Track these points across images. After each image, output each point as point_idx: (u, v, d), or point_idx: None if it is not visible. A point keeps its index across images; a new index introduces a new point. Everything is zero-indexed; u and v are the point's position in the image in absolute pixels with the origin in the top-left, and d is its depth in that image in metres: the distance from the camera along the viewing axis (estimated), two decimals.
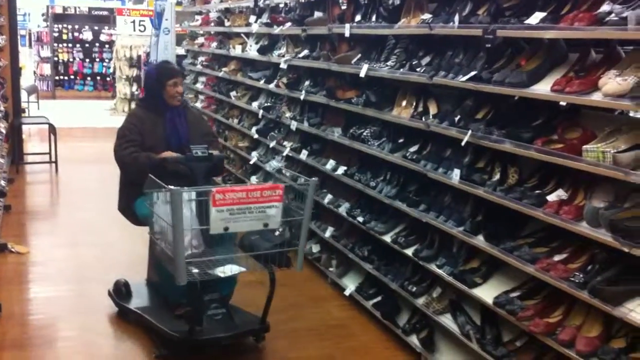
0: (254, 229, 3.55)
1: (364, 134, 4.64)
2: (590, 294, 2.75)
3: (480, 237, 3.47)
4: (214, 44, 8.52)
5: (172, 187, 3.31)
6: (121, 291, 4.45)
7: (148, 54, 12.19)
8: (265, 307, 3.92)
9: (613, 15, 2.62)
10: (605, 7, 2.71)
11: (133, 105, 14.37)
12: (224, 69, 7.99)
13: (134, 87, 14.61)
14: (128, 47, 14.62)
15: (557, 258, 3.05)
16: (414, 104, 4.19)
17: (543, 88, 3.04)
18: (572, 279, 2.86)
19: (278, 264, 3.75)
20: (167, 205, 3.40)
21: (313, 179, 3.69)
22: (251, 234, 3.74)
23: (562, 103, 3.19)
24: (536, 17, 3.04)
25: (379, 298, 4.47)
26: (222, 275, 3.60)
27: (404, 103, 4.27)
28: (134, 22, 14.35)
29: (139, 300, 4.43)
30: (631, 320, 2.59)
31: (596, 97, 2.73)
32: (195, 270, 3.52)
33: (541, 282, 3.09)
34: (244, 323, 3.98)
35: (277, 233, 3.72)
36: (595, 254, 2.93)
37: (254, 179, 6.95)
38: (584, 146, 2.82)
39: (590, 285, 2.75)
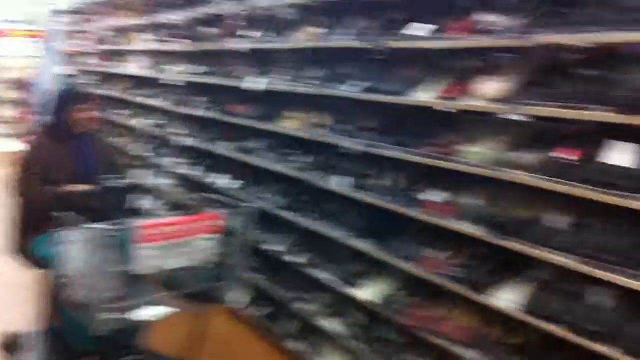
0: (189, 265, 3.09)
1: (255, 147, 4.69)
2: (467, 287, 2.91)
3: (367, 242, 3.58)
4: (106, 63, 8.37)
5: (91, 224, 2.87)
6: (12, 345, 3.93)
7: (35, 76, 11.79)
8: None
9: (492, 25, 2.83)
10: (485, 18, 2.91)
11: (15, 129, 13.79)
12: (115, 88, 7.85)
13: (19, 111, 14.02)
14: (12, 68, 14.06)
15: (439, 256, 3.19)
16: (306, 115, 4.29)
17: (427, 95, 3.21)
18: (453, 274, 3.01)
19: (210, 301, 3.36)
20: (80, 244, 2.96)
21: (253, 205, 3.37)
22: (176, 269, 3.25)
23: (445, 109, 3.35)
24: (419, 29, 3.22)
25: (268, 310, 4.48)
26: (147, 319, 3.16)
27: (295, 115, 4.35)
28: (19, 43, 13.86)
29: (35, 353, 3.87)
30: (503, 310, 2.76)
31: (474, 102, 2.92)
32: (114, 316, 3.06)
33: (424, 279, 3.22)
34: None
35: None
36: (474, 251, 3.08)
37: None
38: (463, 148, 3.00)
39: (467, 279, 2.92)
